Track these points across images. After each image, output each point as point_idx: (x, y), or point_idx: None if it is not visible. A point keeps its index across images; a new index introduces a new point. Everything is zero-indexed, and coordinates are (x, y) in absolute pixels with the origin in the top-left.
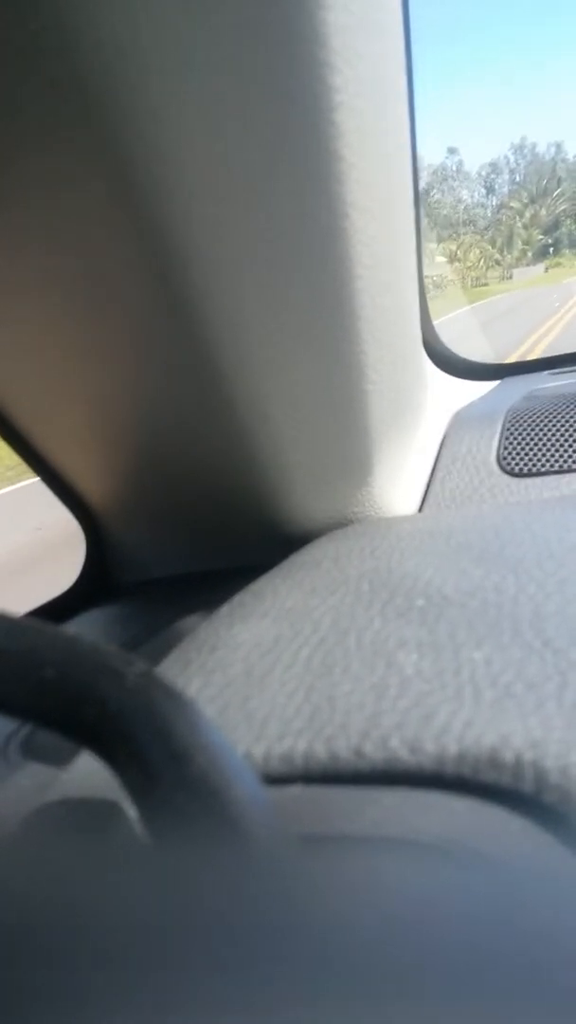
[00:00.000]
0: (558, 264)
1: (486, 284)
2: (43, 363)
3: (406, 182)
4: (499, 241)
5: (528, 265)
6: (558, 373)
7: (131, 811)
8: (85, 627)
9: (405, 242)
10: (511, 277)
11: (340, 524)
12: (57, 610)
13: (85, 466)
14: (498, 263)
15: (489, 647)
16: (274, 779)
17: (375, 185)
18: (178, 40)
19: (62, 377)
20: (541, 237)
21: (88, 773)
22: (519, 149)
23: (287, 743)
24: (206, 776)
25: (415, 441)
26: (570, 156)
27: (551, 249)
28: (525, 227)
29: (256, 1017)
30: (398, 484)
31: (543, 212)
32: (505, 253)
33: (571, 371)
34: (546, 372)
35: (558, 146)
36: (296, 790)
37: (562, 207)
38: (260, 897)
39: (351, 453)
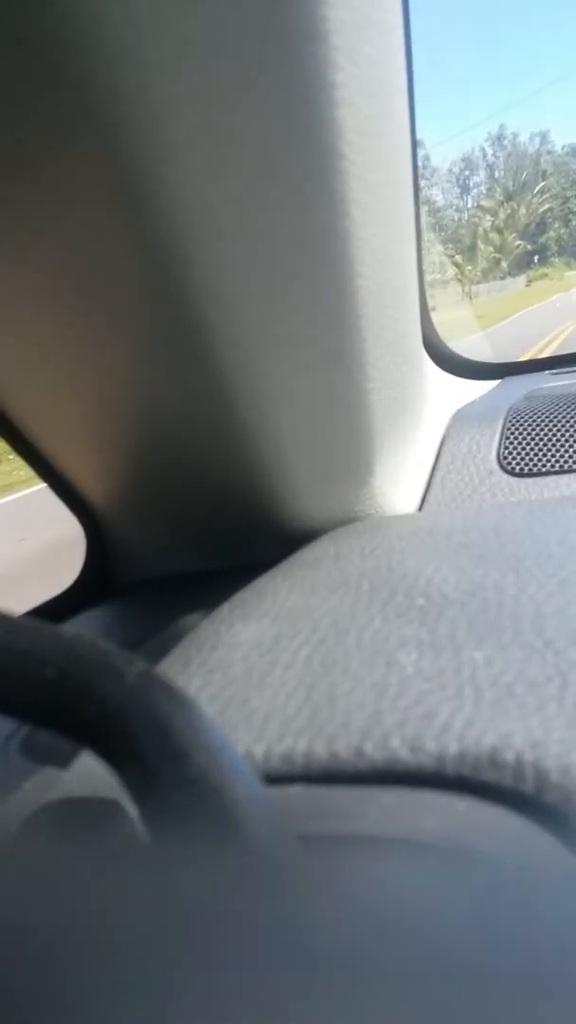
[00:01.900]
0: (543, 276)
1: (433, 309)
2: (44, 363)
3: (406, 180)
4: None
5: (502, 278)
6: (559, 373)
7: (131, 811)
8: (85, 626)
9: (405, 240)
10: (472, 296)
11: (340, 523)
12: (57, 609)
13: (86, 465)
14: (458, 280)
15: (490, 647)
16: (274, 778)
17: (376, 182)
18: (179, 38)
19: (63, 377)
20: (519, 243)
21: (88, 773)
22: (497, 140)
23: (287, 742)
24: (206, 775)
25: (415, 440)
26: (558, 147)
27: (536, 258)
28: (498, 230)
29: (256, 1017)
30: (398, 483)
31: (522, 212)
32: (466, 266)
33: (572, 371)
34: (547, 372)
35: (543, 136)
36: (296, 790)
37: (546, 206)
38: (260, 897)
39: (351, 452)
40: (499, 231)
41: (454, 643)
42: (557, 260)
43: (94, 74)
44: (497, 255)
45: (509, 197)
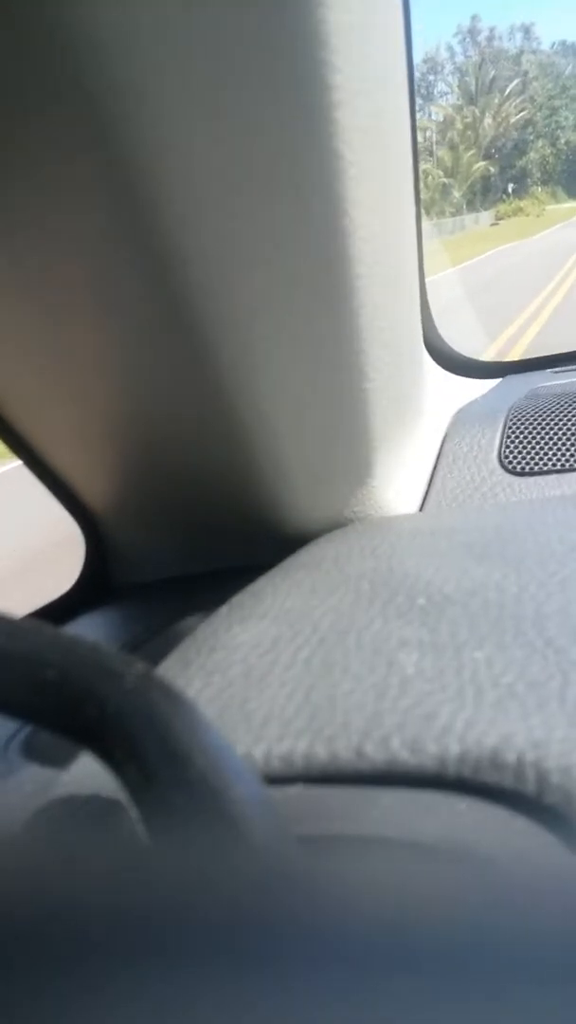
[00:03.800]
0: (519, 211)
1: None
2: (43, 363)
3: (407, 179)
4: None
5: (454, 214)
6: (561, 371)
7: (131, 811)
8: (85, 628)
9: (406, 239)
10: None
11: (341, 523)
12: (57, 611)
13: (84, 467)
14: None
15: (491, 647)
16: (274, 779)
17: (375, 183)
18: (178, 40)
19: (61, 378)
20: (480, 164)
21: (88, 774)
22: (469, 35)
23: (287, 743)
24: (206, 776)
25: (416, 440)
26: (545, 44)
27: (511, 187)
28: (451, 146)
29: (256, 1017)
30: (399, 483)
31: (487, 122)
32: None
33: (574, 369)
34: (549, 370)
35: (526, 31)
36: (296, 790)
37: (519, 114)
38: (260, 897)
39: (351, 452)
40: (452, 147)
41: (455, 643)
42: (540, 190)
43: (93, 75)
44: (447, 180)
45: (470, 100)
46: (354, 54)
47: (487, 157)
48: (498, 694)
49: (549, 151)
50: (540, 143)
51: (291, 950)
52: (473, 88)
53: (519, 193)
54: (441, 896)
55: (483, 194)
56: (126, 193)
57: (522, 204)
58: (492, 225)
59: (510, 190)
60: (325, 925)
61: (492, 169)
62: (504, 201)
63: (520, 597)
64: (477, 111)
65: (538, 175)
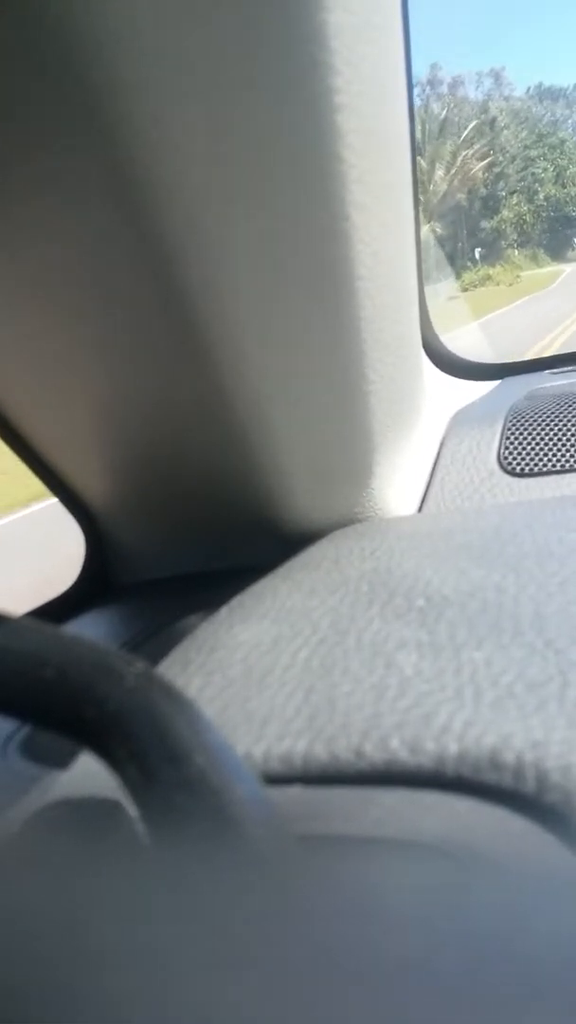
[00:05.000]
0: (487, 279)
1: None
2: (43, 364)
3: (406, 182)
4: None
5: None
6: (559, 372)
7: (131, 811)
8: (85, 627)
9: (405, 242)
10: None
11: (340, 525)
12: (57, 610)
13: (85, 466)
14: None
15: (490, 647)
16: (274, 779)
17: (375, 185)
18: (178, 41)
19: (62, 378)
20: (426, 225)
21: (88, 773)
22: (429, 85)
23: (287, 743)
24: (206, 776)
25: (415, 441)
26: (519, 90)
27: (477, 252)
28: None
29: (256, 1017)
30: (398, 484)
31: (439, 174)
32: None
33: (572, 370)
34: (547, 371)
35: (496, 76)
36: (296, 790)
37: (482, 163)
38: (260, 897)
39: (351, 453)
40: None
41: (454, 644)
42: (517, 253)
43: (93, 77)
44: None
45: (417, 150)
46: (354, 56)
47: (440, 217)
48: (497, 694)
49: (526, 208)
50: (515, 199)
51: (290, 948)
52: (420, 133)
53: (490, 259)
54: (440, 895)
55: (450, 261)
56: (126, 194)
57: (492, 271)
58: (451, 299)
59: (477, 255)
60: (324, 924)
61: (439, 230)
62: (470, 269)
63: (519, 598)
64: (424, 162)
65: (514, 236)
